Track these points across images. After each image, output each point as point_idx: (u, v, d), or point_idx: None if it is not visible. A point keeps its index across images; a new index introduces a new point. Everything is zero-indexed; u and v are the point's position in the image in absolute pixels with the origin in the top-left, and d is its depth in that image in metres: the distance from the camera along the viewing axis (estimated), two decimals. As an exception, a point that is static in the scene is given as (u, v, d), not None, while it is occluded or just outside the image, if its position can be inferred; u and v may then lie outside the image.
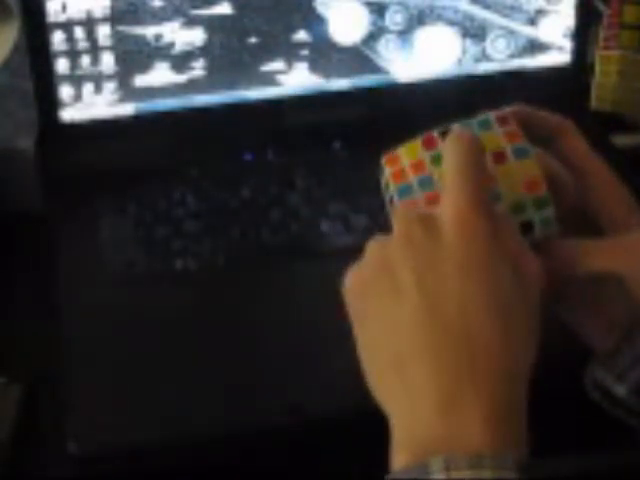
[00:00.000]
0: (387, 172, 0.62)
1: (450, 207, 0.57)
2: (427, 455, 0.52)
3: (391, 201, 0.62)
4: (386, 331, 0.57)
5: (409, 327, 0.55)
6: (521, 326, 0.56)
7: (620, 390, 0.60)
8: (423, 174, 0.61)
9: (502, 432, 0.53)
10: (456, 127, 0.61)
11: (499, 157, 0.61)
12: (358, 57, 0.91)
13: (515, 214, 0.60)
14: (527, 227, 0.60)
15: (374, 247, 0.59)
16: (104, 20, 0.86)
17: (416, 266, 0.56)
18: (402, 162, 0.62)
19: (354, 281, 0.59)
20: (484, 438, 0.53)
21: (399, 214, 0.59)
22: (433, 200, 0.59)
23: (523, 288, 0.56)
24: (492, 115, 0.62)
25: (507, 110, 0.63)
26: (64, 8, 0.84)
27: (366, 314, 0.58)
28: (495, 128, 0.61)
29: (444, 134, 0.61)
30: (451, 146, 0.59)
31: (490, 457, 0.52)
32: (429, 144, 0.61)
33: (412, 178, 0.61)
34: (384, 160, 0.63)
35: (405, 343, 0.55)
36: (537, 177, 0.60)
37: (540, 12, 0.93)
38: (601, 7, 0.97)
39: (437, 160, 0.60)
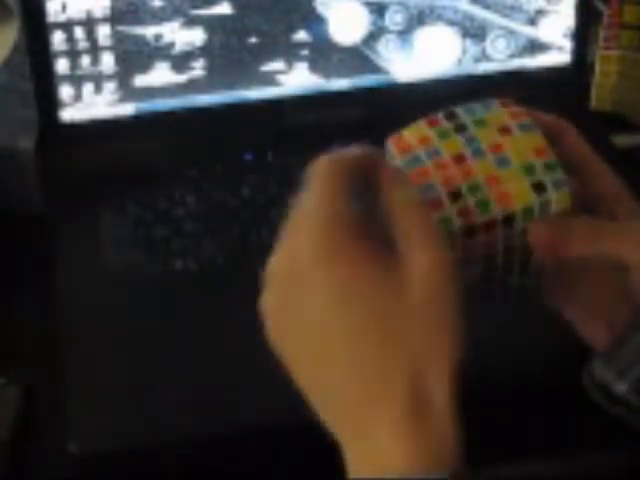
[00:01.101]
0: (393, 149, 0.62)
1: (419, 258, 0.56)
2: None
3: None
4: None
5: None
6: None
7: (621, 388, 0.60)
8: (430, 146, 0.62)
9: (413, 447, 0.53)
10: (458, 110, 0.63)
11: (505, 130, 0.62)
12: (358, 57, 0.91)
13: (526, 176, 0.60)
14: (539, 188, 0.60)
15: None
16: (104, 20, 0.86)
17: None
18: (408, 139, 0.63)
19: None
20: (392, 457, 0.52)
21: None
22: (442, 166, 0.60)
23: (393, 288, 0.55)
24: (495, 100, 0.64)
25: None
26: (64, 8, 0.84)
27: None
28: (499, 109, 0.63)
29: (449, 115, 0.62)
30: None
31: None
32: (434, 123, 0.63)
33: (419, 150, 0.62)
34: (389, 141, 0.63)
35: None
36: (544, 145, 0.62)
37: (540, 12, 0.93)
38: (601, 7, 0.97)
39: (443, 135, 0.62)
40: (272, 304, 0.59)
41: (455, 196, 0.60)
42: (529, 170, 0.61)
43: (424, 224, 0.57)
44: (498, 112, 0.63)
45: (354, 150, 0.60)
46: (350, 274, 0.56)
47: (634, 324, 0.61)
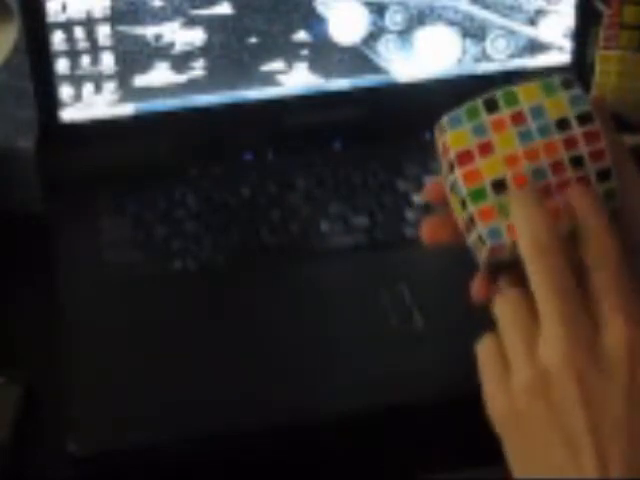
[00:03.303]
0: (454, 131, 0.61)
1: (617, 334, 0.52)
2: None
3: (451, 168, 0.60)
4: None
5: None
6: None
7: None
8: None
9: None
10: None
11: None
12: (358, 57, 0.91)
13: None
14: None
15: (527, 363, 0.53)
16: (104, 20, 0.86)
17: (591, 412, 0.52)
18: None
19: (502, 404, 0.54)
20: None
21: (558, 337, 0.52)
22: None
23: None
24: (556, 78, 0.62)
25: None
26: (64, 8, 0.84)
27: (530, 457, 0.53)
28: (560, 91, 0.61)
29: (489, 103, 0.62)
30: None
31: None
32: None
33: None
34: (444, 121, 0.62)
35: None
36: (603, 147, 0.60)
37: (540, 12, 0.93)
38: (601, 7, 0.97)
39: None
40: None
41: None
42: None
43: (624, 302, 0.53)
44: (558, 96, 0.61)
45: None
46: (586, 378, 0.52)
47: None
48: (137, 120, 0.90)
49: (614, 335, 0.52)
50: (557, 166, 0.60)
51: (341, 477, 0.73)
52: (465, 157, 0.60)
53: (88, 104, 0.88)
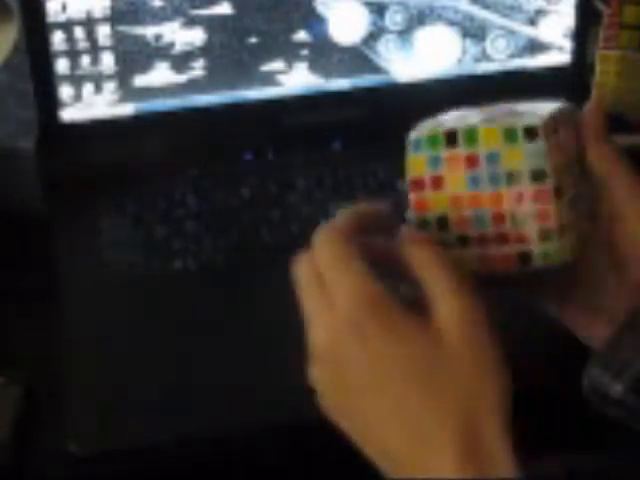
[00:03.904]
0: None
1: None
2: None
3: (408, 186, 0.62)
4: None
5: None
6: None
7: (617, 389, 0.60)
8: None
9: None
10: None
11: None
12: (358, 57, 0.91)
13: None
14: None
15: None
16: (104, 20, 0.86)
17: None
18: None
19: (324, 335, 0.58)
20: None
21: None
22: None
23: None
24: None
25: None
26: (64, 8, 0.84)
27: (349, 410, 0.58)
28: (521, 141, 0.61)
29: (450, 135, 0.61)
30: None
31: None
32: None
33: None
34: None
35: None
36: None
37: (540, 12, 0.93)
38: (601, 7, 0.97)
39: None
40: (322, 381, 0.59)
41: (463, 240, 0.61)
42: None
43: (448, 275, 0.57)
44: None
45: (354, 213, 0.61)
46: (389, 343, 0.56)
47: (627, 323, 0.61)
48: (137, 120, 0.90)
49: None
50: (498, 217, 0.60)
51: (341, 477, 0.73)
52: (418, 185, 0.61)
53: (88, 104, 0.88)
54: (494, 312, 0.63)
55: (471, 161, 0.61)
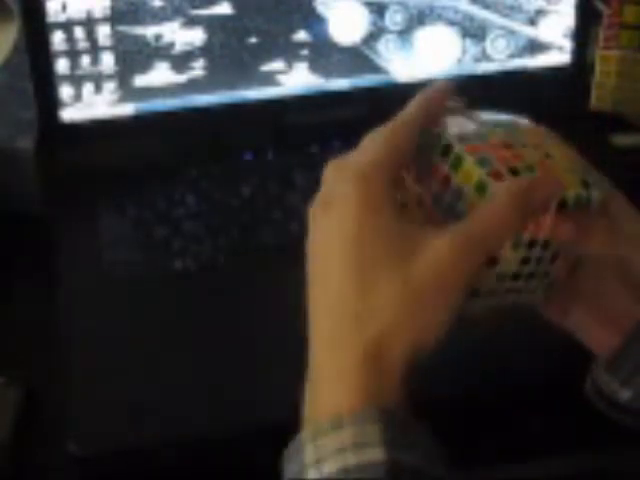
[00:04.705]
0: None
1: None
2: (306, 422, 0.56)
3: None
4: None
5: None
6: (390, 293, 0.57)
7: (626, 395, 0.60)
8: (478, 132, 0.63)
9: (364, 390, 0.55)
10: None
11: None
12: (358, 57, 0.91)
13: (571, 171, 0.61)
14: (585, 184, 0.60)
15: None
16: (104, 20, 0.86)
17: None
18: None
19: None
20: (345, 398, 0.55)
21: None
22: (494, 147, 0.61)
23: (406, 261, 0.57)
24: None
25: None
26: (64, 8, 0.84)
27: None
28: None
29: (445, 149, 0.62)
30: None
31: (349, 415, 0.53)
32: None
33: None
34: None
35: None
36: (575, 153, 0.62)
37: (540, 12, 0.93)
38: (601, 7, 0.97)
39: (485, 125, 0.63)
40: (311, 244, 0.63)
41: (514, 172, 0.59)
42: (572, 168, 0.61)
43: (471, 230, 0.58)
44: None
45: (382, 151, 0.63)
46: (370, 222, 0.58)
47: (638, 331, 0.61)
48: (137, 120, 0.90)
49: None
50: None
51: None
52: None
53: (88, 104, 0.88)
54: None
55: (444, 183, 0.61)
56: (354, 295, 0.57)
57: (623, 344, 0.61)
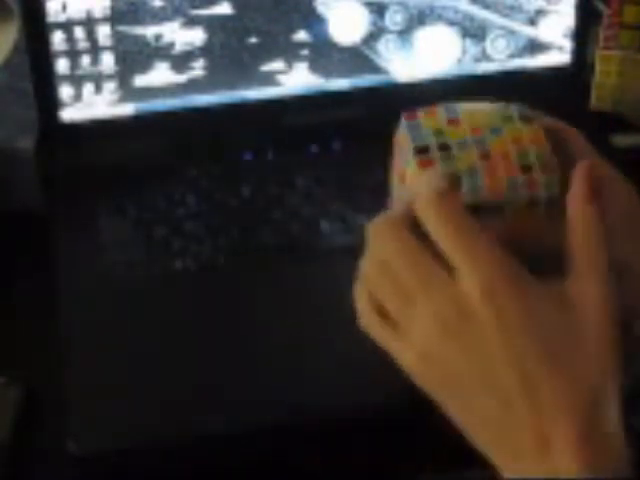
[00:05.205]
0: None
1: (475, 283, 0.56)
2: None
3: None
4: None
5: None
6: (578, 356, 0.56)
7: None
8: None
9: (591, 460, 0.53)
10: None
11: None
12: (358, 57, 0.91)
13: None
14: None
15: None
16: (104, 20, 0.86)
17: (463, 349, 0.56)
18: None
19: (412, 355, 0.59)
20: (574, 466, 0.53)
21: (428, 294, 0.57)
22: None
23: (571, 320, 0.56)
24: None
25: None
26: (64, 8, 0.84)
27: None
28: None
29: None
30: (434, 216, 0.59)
31: None
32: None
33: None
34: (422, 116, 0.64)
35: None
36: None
37: (540, 12, 0.93)
38: (601, 7, 0.97)
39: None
40: (425, 375, 0.59)
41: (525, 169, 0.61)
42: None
43: (595, 257, 0.58)
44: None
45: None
46: (515, 308, 0.56)
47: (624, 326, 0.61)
48: (137, 120, 0.90)
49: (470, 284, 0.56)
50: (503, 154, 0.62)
51: (341, 477, 0.73)
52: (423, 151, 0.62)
53: (88, 104, 0.88)
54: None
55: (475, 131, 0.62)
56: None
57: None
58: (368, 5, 0.90)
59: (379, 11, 0.90)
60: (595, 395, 0.55)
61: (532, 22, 0.93)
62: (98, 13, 0.85)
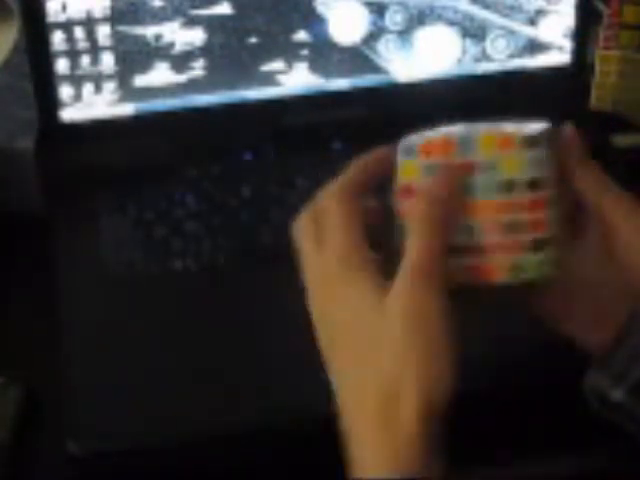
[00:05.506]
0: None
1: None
2: None
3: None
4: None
5: None
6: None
7: (617, 394, 0.60)
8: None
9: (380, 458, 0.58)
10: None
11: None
12: (358, 57, 0.91)
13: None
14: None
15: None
16: (104, 20, 0.86)
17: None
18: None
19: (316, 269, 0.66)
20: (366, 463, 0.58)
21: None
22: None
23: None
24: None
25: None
26: (64, 8, 0.84)
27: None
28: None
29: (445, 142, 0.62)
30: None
31: None
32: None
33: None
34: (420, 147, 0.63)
35: None
36: None
37: (540, 12, 0.93)
38: (601, 7, 0.97)
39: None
40: (315, 307, 0.64)
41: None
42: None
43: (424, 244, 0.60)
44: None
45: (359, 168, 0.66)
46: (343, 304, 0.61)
47: (627, 327, 0.61)
48: (137, 120, 0.90)
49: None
50: (490, 226, 0.60)
51: (341, 477, 0.73)
52: (408, 192, 0.63)
53: (88, 104, 0.88)
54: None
55: (465, 169, 0.60)
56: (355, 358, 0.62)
57: (613, 343, 0.61)
58: (368, 5, 0.90)
59: (379, 11, 0.90)
60: (390, 391, 0.58)
61: (532, 22, 0.93)
62: (98, 13, 0.85)
